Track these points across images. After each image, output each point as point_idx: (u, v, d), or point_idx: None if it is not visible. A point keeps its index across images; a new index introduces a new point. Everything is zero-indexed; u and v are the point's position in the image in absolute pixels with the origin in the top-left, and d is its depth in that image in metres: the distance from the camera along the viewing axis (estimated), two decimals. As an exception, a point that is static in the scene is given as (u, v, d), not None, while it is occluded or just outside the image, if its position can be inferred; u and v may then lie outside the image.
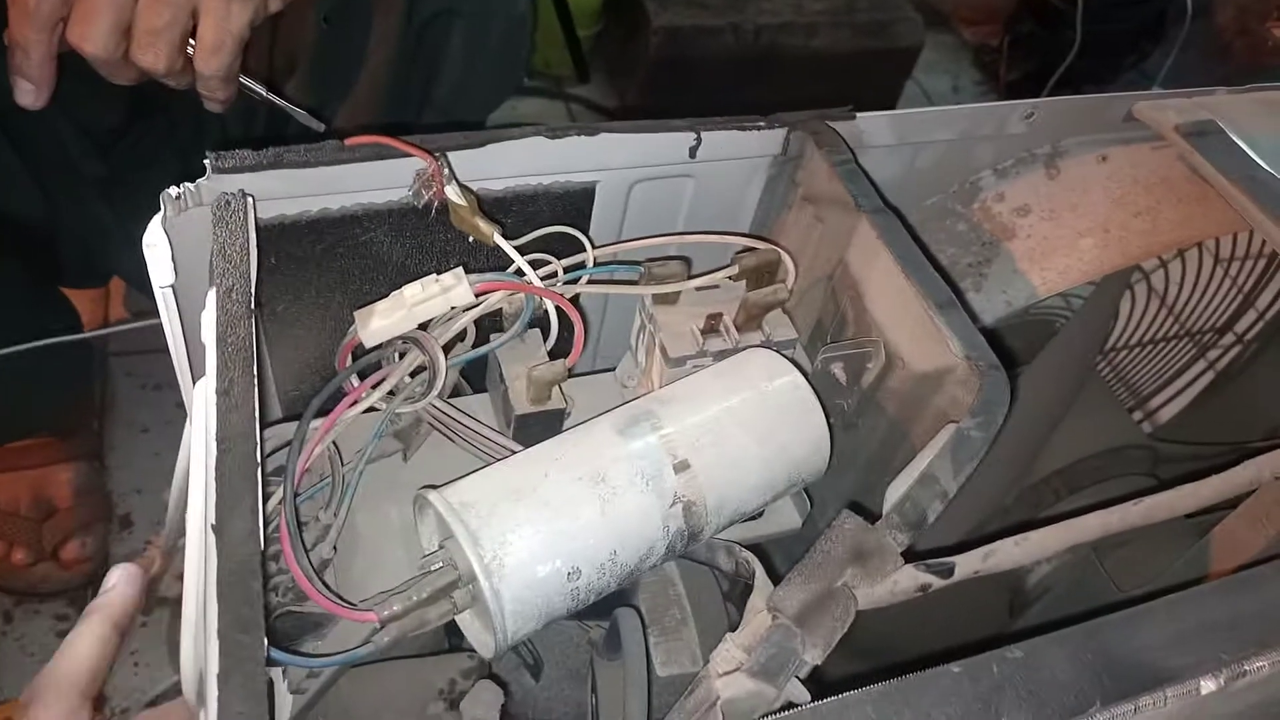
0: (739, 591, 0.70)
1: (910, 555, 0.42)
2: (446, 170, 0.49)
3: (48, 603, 1.06)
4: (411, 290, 0.48)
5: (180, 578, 0.49)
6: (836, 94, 0.64)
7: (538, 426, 0.52)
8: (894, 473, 0.56)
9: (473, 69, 0.93)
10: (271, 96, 0.65)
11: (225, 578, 0.36)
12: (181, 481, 0.63)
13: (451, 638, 0.61)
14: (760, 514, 0.53)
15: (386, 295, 0.53)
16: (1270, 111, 0.68)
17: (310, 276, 0.57)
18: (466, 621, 0.46)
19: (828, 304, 0.58)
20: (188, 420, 0.63)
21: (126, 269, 1.11)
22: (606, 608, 0.56)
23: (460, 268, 0.50)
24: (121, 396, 1.21)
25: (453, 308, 0.49)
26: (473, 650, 0.58)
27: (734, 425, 0.47)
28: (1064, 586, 0.81)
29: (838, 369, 0.53)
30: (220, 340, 0.42)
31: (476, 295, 0.49)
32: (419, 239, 0.57)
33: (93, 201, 0.99)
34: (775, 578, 0.46)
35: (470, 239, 0.56)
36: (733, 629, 0.67)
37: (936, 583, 0.40)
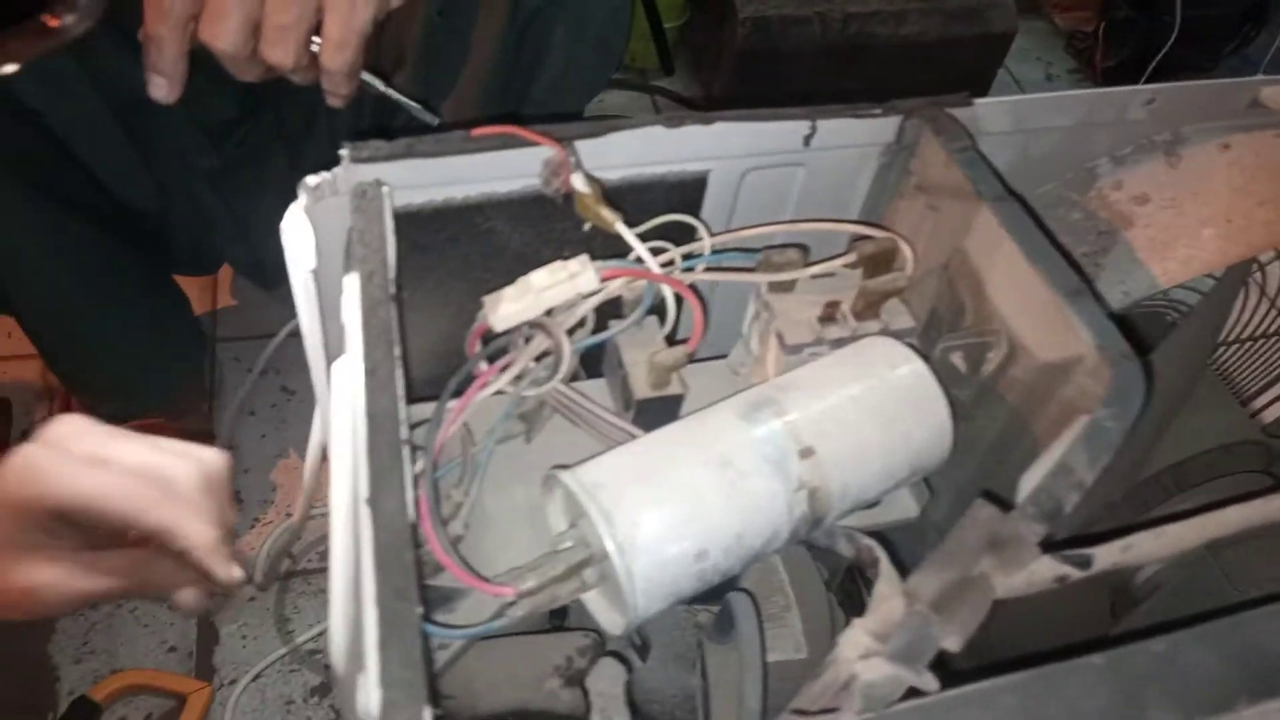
0: (839, 580, 0.70)
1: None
2: (573, 159, 0.50)
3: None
4: (539, 276, 0.49)
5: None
6: (926, 83, 0.63)
7: (656, 411, 0.53)
8: (1013, 465, 0.55)
9: (573, 61, 0.94)
10: (390, 91, 0.67)
11: (382, 549, 0.37)
12: (316, 457, 0.65)
13: (553, 617, 0.63)
14: (878, 502, 0.53)
15: (502, 282, 0.54)
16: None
17: (433, 264, 0.59)
18: (592, 600, 0.48)
19: (942, 293, 0.57)
20: (318, 400, 0.66)
21: (235, 257, 1.15)
22: (715, 592, 0.57)
23: (585, 254, 0.51)
24: (229, 381, 1.26)
25: (578, 294, 0.50)
26: (586, 629, 0.60)
27: (858, 413, 0.47)
28: (1174, 585, 0.79)
29: (958, 358, 0.53)
30: (365, 322, 0.44)
31: (601, 282, 0.50)
32: (536, 227, 0.59)
33: (204, 193, 1.03)
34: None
35: (586, 227, 0.57)
36: (833, 618, 0.68)
37: (1074, 574, 0.40)
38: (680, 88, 1.75)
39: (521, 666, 0.57)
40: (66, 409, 1.16)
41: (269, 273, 1.17)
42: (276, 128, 1.02)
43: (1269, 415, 0.98)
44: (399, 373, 0.43)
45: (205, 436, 1.18)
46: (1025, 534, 0.40)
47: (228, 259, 1.17)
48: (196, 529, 0.47)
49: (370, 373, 0.43)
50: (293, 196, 0.98)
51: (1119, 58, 1.88)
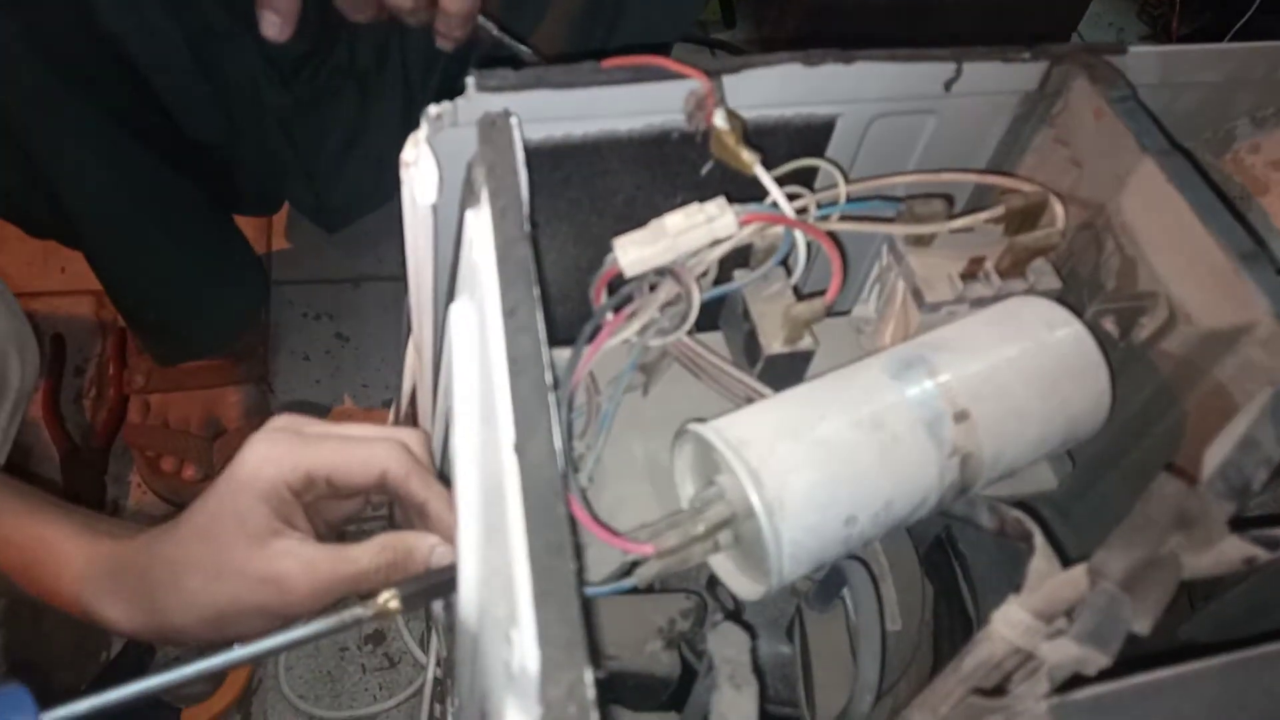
0: (935, 555, 0.68)
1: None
2: (720, 92, 0.47)
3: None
4: (674, 219, 0.46)
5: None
6: (995, 42, 0.59)
7: (785, 367, 0.50)
8: (1154, 441, 0.53)
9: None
10: (503, 35, 0.64)
11: (532, 500, 0.35)
12: (404, 405, 0.63)
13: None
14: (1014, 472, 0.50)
15: (609, 228, 0.51)
16: None
17: (542, 205, 0.56)
18: (720, 563, 0.45)
19: (1087, 253, 0.54)
20: (411, 345, 0.63)
21: (298, 198, 1.13)
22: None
23: (723, 197, 0.48)
24: (284, 324, 1.24)
25: (714, 239, 0.47)
26: (688, 590, 0.58)
27: (1015, 376, 0.44)
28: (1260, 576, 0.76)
29: (1109, 323, 0.50)
30: (500, 261, 0.41)
31: (740, 227, 0.47)
32: (651, 171, 0.55)
33: (273, 130, 1.00)
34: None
35: (704, 171, 0.54)
36: (924, 590, 0.65)
37: (1263, 555, 0.37)
38: (742, 41, 1.70)
39: (624, 626, 0.55)
40: (121, 346, 1.14)
41: (331, 215, 1.15)
42: (349, 67, 0.99)
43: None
44: (540, 314, 0.40)
45: (261, 379, 1.16)
46: (1214, 511, 0.37)
47: (291, 200, 1.14)
48: (444, 506, 0.46)
49: (510, 314, 0.40)
50: (363, 137, 0.96)
51: (1196, 25, 1.81)
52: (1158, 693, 0.33)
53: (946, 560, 0.66)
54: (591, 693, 0.31)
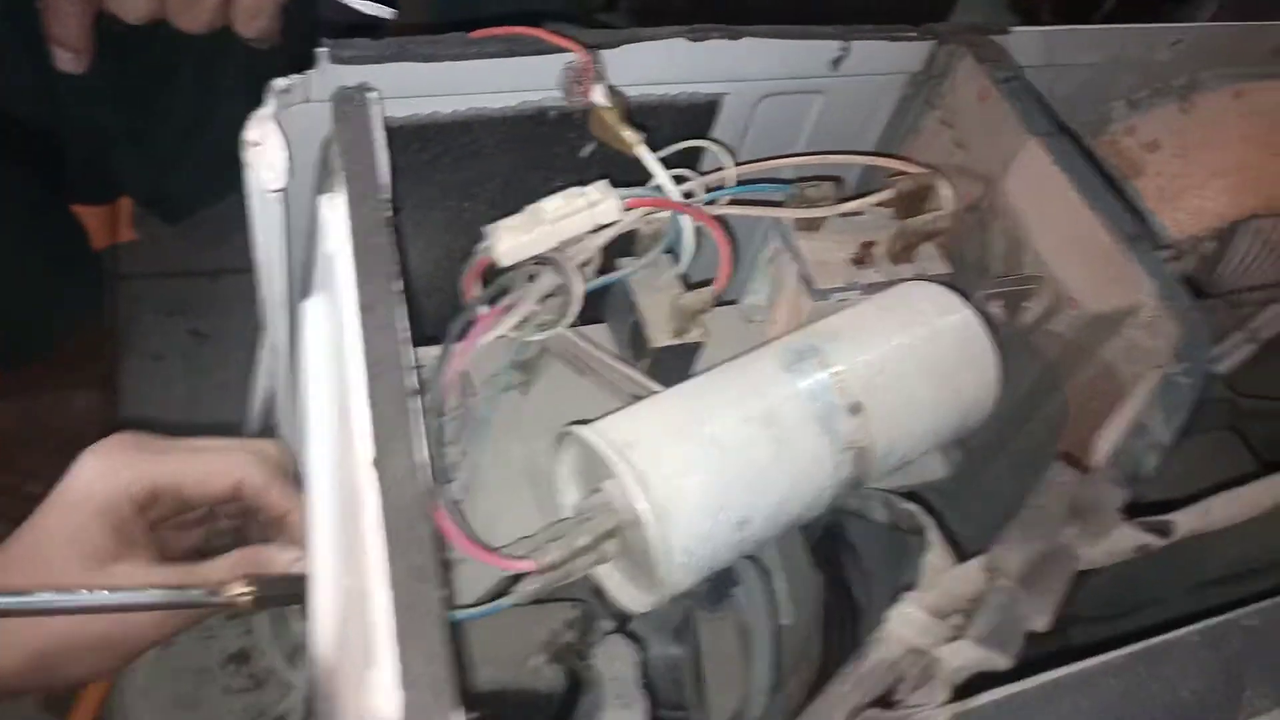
0: (824, 545, 0.66)
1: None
2: (598, 67, 0.43)
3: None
4: (553, 204, 0.43)
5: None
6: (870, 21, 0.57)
7: (674, 361, 0.47)
8: (1039, 424, 0.52)
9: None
10: None
11: (393, 520, 0.31)
12: (261, 411, 0.58)
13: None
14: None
15: (484, 214, 0.48)
16: None
17: (408, 189, 0.51)
18: (606, 574, 0.42)
19: (973, 236, 0.53)
20: (267, 345, 0.58)
21: (135, 185, 1.04)
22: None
23: (605, 181, 0.44)
24: (132, 322, 1.15)
25: (596, 224, 0.43)
26: (574, 600, 0.54)
27: (907, 365, 0.43)
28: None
29: (996, 307, 0.49)
30: (359, 251, 0.37)
31: (624, 211, 0.44)
32: (526, 151, 0.52)
33: (104, 109, 0.91)
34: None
35: (584, 152, 0.51)
36: (816, 581, 0.64)
37: (1155, 543, 0.37)
38: (622, 24, 1.67)
39: (502, 643, 0.51)
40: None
41: (172, 205, 1.06)
42: (186, 39, 0.91)
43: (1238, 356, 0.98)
44: (401, 311, 0.36)
45: (106, 383, 1.07)
46: (1107, 500, 0.37)
47: (127, 189, 1.05)
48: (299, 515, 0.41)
49: (368, 310, 0.36)
50: (202, 118, 0.88)
51: (1062, 12, 1.87)
52: (1059, 693, 0.32)
53: (835, 550, 0.65)
54: (463, 739, 0.28)
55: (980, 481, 0.55)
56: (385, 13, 0.62)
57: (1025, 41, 0.55)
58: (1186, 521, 0.38)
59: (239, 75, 0.90)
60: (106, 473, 0.41)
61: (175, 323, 1.16)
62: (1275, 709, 0.33)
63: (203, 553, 0.43)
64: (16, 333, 0.96)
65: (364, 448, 0.33)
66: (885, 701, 0.36)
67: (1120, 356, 0.46)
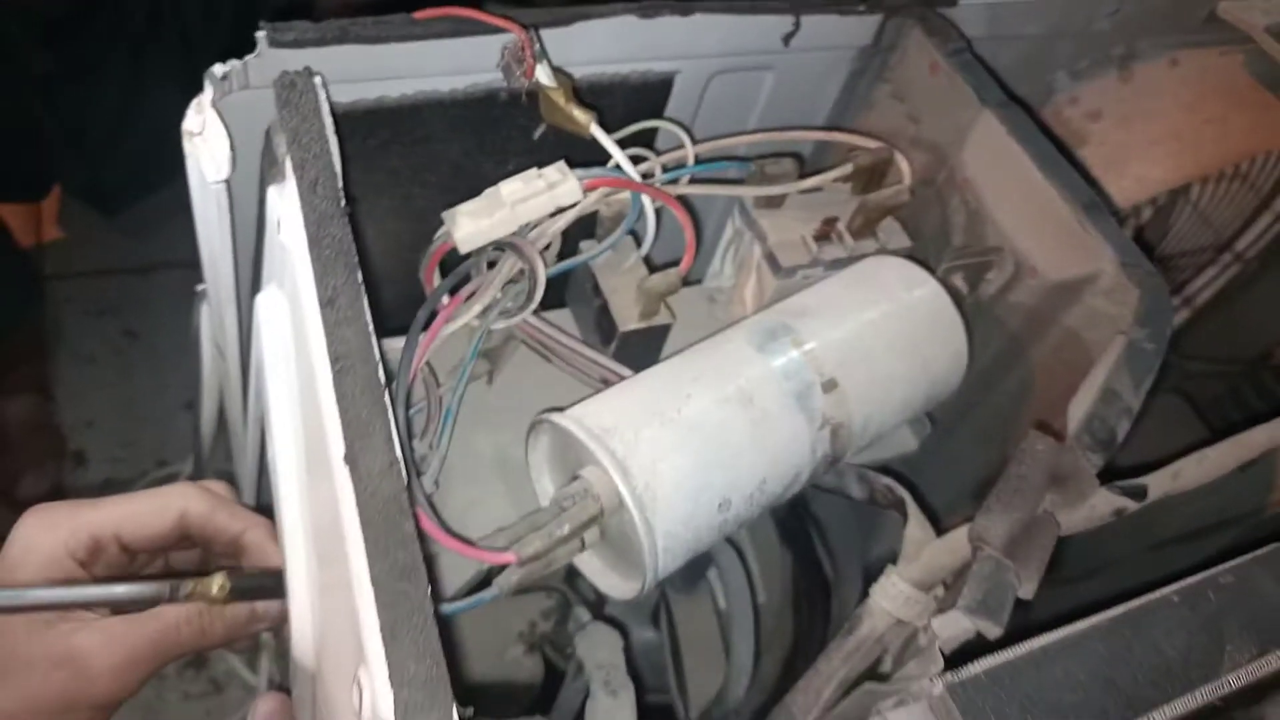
0: (789, 521, 0.67)
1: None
2: (538, 47, 0.42)
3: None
4: (511, 187, 0.42)
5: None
6: None
7: (642, 344, 0.47)
8: (1003, 394, 0.53)
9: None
10: None
11: (371, 518, 0.30)
12: (211, 410, 0.56)
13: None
14: (873, 437, 0.49)
15: (437, 200, 0.46)
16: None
17: (357, 177, 0.50)
18: (586, 561, 0.42)
19: (931, 210, 0.53)
20: (204, 340, 0.56)
21: (70, 178, 1.00)
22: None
23: (563, 161, 0.44)
24: (63, 324, 1.10)
25: (556, 207, 0.42)
26: (550, 589, 0.54)
27: (878, 340, 0.43)
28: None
29: (958, 280, 0.49)
30: (314, 242, 0.36)
31: (584, 193, 0.43)
32: (478, 135, 0.50)
33: (35, 101, 0.87)
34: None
35: (537, 134, 0.50)
36: (782, 557, 0.64)
37: (1131, 506, 0.37)
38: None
39: (479, 635, 0.50)
40: None
41: (108, 197, 1.02)
42: (119, 27, 0.87)
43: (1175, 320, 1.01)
44: (364, 303, 0.35)
45: (40, 387, 1.03)
46: (1084, 466, 0.37)
47: (62, 181, 1.01)
48: (264, 534, 0.39)
49: (329, 303, 0.34)
50: (135, 106, 0.84)
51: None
52: (1049, 658, 0.32)
53: (802, 527, 0.66)
54: (460, 739, 0.27)
55: (943, 453, 0.56)
56: None
57: (971, 14, 0.55)
58: (1159, 484, 0.39)
59: (172, 62, 0.87)
60: (42, 530, 0.39)
61: (106, 322, 1.13)
62: (1256, 661, 0.33)
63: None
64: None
65: (335, 445, 0.32)
66: (874, 674, 0.36)
67: (1082, 324, 0.47)
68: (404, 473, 0.31)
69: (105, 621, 0.38)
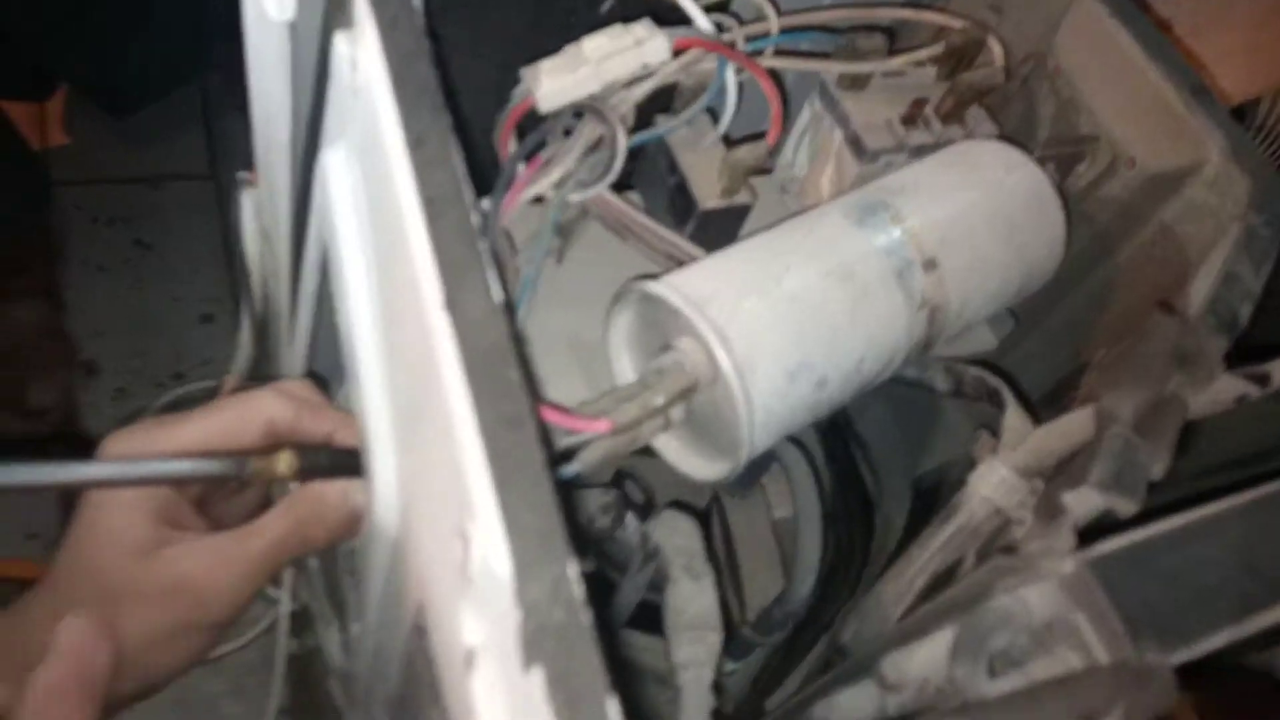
0: (831, 441, 0.64)
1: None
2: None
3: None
4: (595, 42, 0.39)
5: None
6: None
7: (720, 225, 0.44)
8: (1084, 295, 0.51)
9: None
10: None
11: (475, 365, 0.28)
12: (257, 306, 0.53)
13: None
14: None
15: (494, 76, 0.43)
16: None
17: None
18: (666, 444, 0.40)
19: (1015, 102, 0.51)
20: (247, 231, 0.53)
21: (80, 73, 0.96)
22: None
23: (649, 19, 0.41)
24: (71, 232, 1.07)
25: (644, 65, 0.40)
26: (606, 484, 0.52)
27: (978, 221, 0.40)
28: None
29: (1049, 170, 0.47)
30: (399, 82, 0.33)
31: (673, 53, 0.40)
32: (542, 5, 0.47)
33: (41, -10, 0.83)
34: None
35: (603, 9, 0.47)
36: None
37: (1254, 392, 0.36)
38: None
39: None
40: None
41: (119, 94, 0.98)
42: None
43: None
44: (456, 143, 0.32)
45: (48, 293, 1.00)
46: (1211, 348, 0.35)
47: (70, 77, 0.97)
48: (352, 432, 0.37)
49: (417, 144, 0.32)
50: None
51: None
52: (1185, 538, 0.30)
53: (844, 446, 0.64)
54: (580, 590, 0.25)
55: (1012, 355, 0.54)
56: None
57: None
58: (1280, 371, 0.37)
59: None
60: (131, 453, 0.37)
61: (117, 232, 1.09)
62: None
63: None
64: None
65: (432, 291, 0.29)
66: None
67: (1179, 217, 0.45)
68: (505, 320, 0.29)
69: (208, 542, 0.36)
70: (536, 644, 0.24)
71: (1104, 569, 0.29)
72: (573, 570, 0.25)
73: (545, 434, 0.28)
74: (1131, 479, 0.31)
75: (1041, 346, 0.53)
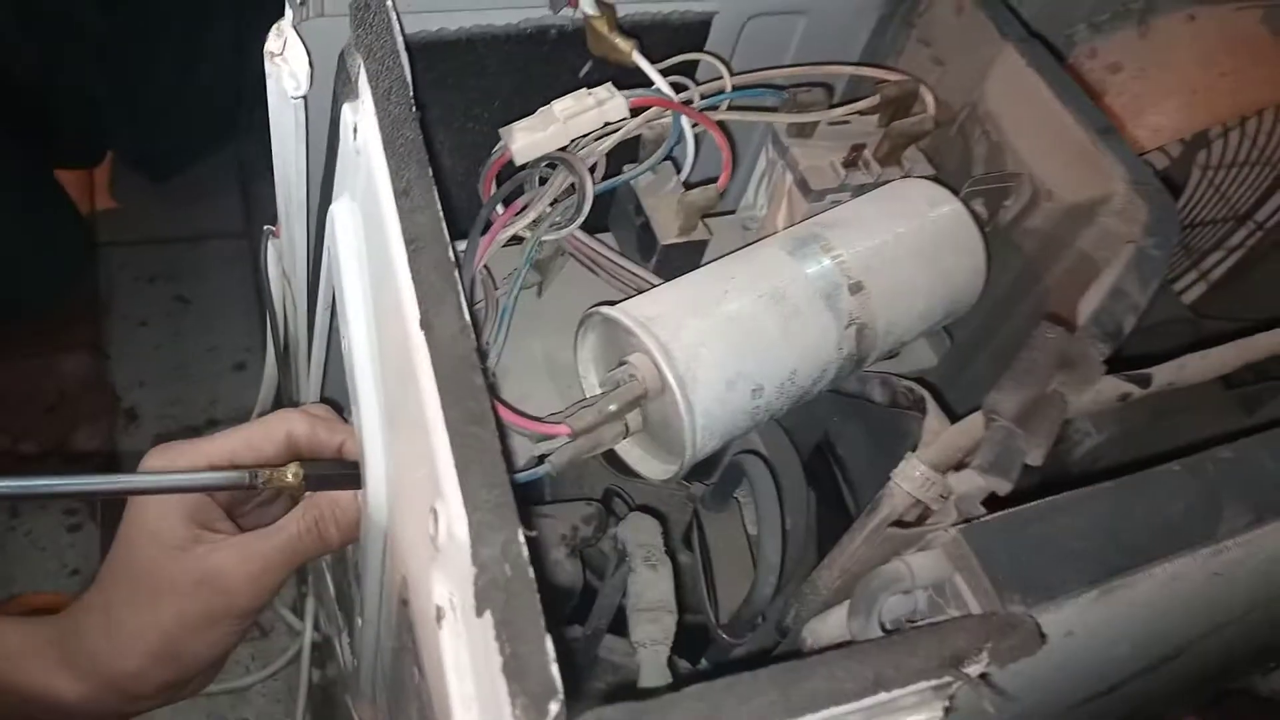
0: (815, 462, 0.69)
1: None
2: (587, -23, 0.46)
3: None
4: (563, 104, 0.45)
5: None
6: None
7: (681, 259, 0.50)
8: (1020, 319, 0.56)
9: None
10: None
11: (445, 373, 0.34)
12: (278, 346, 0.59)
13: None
14: (896, 353, 0.52)
15: (487, 136, 0.50)
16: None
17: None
18: (628, 449, 0.45)
19: (952, 147, 0.56)
20: (271, 275, 0.60)
21: (122, 144, 1.05)
22: (710, 463, 0.55)
23: (610, 83, 0.47)
24: (117, 289, 1.15)
25: (605, 123, 0.46)
26: (590, 497, 0.57)
27: (903, 250, 0.46)
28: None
29: (978, 204, 0.52)
30: (389, 142, 0.39)
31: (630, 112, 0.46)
32: (530, 72, 0.54)
33: (92, 66, 0.92)
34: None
35: (583, 72, 0.53)
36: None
37: (1136, 392, 0.40)
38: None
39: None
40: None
41: (160, 161, 1.07)
42: (174, -7, 0.92)
43: (1189, 297, 1.04)
44: (436, 194, 0.38)
45: (94, 346, 1.08)
46: (1092, 353, 0.40)
47: (113, 147, 1.06)
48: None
49: (403, 194, 0.38)
50: (190, 72, 0.89)
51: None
52: (1053, 512, 0.35)
53: (826, 466, 0.69)
54: (525, 551, 0.30)
55: (965, 377, 0.59)
56: None
57: (996, -38, 0.58)
58: (1164, 374, 0.41)
59: (226, 28, 0.91)
60: (166, 465, 0.43)
61: (159, 289, 1.17)
62: (1252, 527, 0.36)
63: None
64: (5, 296, 0.97)
65: (411, 313, 0.35)
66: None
67: (1095, 245, 0.50)
68: (473, 335, 0.35)
69: (235, 540, 0.42)
70: (487, 595, 0.29)
71: (978, 537, 0.34)
72: (520, 535, 0.31)
73: (502, 428, 0.33)
74: (1008, 463, 0.36)
75: (988, 367, 0.58)
